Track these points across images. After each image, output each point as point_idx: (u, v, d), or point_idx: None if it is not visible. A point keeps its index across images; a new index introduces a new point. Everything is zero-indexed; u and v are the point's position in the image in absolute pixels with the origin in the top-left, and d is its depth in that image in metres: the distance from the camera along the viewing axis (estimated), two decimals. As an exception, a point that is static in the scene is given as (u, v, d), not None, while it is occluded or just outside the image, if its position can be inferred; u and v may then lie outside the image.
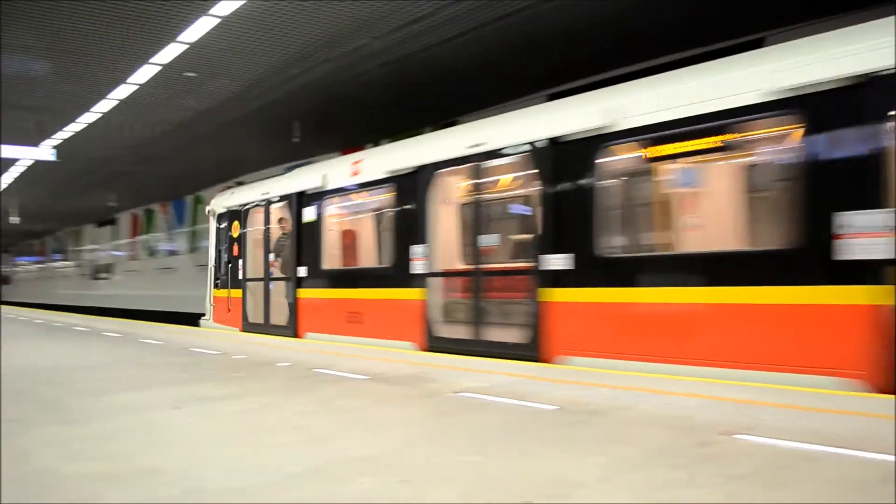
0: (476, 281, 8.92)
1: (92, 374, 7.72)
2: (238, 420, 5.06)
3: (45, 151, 14.92)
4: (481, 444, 4.14)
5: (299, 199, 11.98)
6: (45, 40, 10.52)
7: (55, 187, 25.41)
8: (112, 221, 35.75)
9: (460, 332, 8.93)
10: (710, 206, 7.79)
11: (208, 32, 10.31)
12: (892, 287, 5.26)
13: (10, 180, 23.35)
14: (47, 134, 15.80)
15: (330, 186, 11.28)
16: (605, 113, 7.28)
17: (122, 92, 13.35)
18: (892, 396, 4.92)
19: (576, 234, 7.54)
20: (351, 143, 16.60)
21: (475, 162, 8.81)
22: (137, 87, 13.01)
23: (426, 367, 7.36)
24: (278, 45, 11.01)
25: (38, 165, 20.14)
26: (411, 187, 9.62)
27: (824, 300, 5.65)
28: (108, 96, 13.66)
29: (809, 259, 5.79)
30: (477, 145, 8.68)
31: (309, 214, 11.72)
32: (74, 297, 38.95)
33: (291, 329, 11.86)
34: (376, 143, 14.79)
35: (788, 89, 5.89)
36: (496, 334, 8.52)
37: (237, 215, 13.83)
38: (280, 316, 12.31)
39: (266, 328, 12.73)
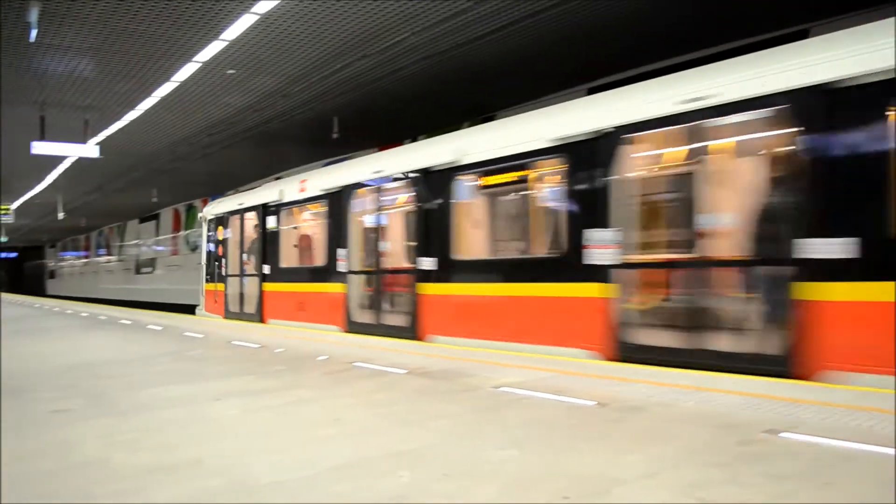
0: (378, 278, 11.26)
1: (136, 368, 7.90)
2: (279, 413, 5.13)
3: (90, 148, 15.21)
4: (521, 439, 4.14)
5: (264, 209, 14.45)
6: (90, 39, 10.72)
7: (99, 183, 25.93)
8: (154, 217, 36.38)
9: (368, 318, 11.16)
10: (520, 225, 10.51)
11: (249, 29, 10.41)
12: (614, 285, 7.35)
13: (55, 177, 23.91)
14: (93, 131, 16.12)
15: (285, 200, 13.68)
16: (454, 151, 9.57)
17: (165, 89, 13.57)
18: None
19: (438, 243, 9.78)
20: (389, 138, 16.68)
21: (377, 184, 11.09)
22: (178, 84, 13.22)
23: (463, 363, 7.37)
24: (318, 42, 11.08)
25: (82, 162, 20.59)
26: (338, 202, 11.90)
27: (576, 294, 7.81)
28: (153, 94, 13.90)
29: (569, 263, 7.88)
30: (377, 171, 10.97)
31: (271, 222, 14.27)
32: (118, 292, 39.75)
33: (258, 316, 14.24)
34: (414, 139, 14.83)
35: (558, 139, 8.00)
36: (391, 319, 10.64)
37: (221, 221, 16.31)
38: (251, 306, 14.69)
39: (241, 315, 15.14)
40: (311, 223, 14.06)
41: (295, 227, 14.46)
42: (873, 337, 5.52)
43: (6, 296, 48.73)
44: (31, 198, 29.11)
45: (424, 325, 9.87)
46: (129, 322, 15.82)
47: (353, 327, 11.27)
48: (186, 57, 11.69)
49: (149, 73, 12.54)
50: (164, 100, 14.28)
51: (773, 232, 6.56)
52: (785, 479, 3.22)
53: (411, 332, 9.92)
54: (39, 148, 14.54)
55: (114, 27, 10.23)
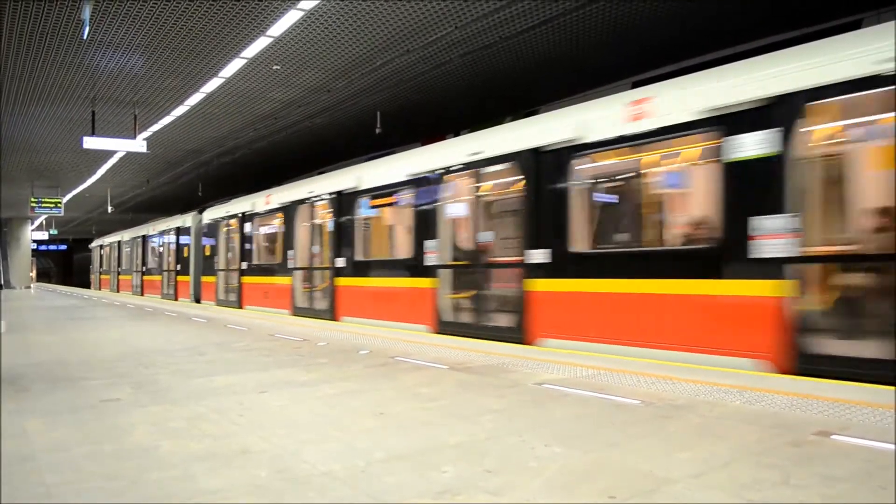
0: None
1: (183, 358, 8.03)
2: (323, 405, 5.17)
3: (138, 143, 15.53)
4: (565, 435, 4.12)
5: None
6: (140, 36, 10.92)
7: (147, 177, 26.41)
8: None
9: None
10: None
11: (294, 25, 10.52)
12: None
13: (104, 171, 24.45)
14: (141, 127, 16.44)
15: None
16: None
17: (212, 85, 13.77)
18: None
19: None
20: (432, 134, 16.69)
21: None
22: (225, 80, 13.40)
23: (504, 358, 7.36)
24: (362, 37, 11.14)
25: (130, 157, 21.03)
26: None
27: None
28: (200, 90, 14.12)
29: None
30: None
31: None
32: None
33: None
34: (457, 133, 14.82)
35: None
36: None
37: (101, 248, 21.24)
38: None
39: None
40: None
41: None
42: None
43: (58, 287, 50.07)
44: (81, 191, 29.79)
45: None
46: (174, 314, 16.10)
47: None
48: (233, 53, 11.84)
49: (196, 69, 12.73)
50: (210, 95, 14.50)
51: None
52: (838, 481, 3.15)
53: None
54: (90, 143, 14.87)
55: (163, 24, 10.41)
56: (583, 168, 8.37)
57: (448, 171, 10.33)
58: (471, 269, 10.20)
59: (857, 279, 6.52)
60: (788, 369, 6.04)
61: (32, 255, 46.67)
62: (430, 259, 10.50)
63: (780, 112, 6.26)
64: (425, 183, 10.76)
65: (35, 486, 3.30)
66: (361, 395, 5.53)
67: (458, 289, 10.38)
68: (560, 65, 12.67)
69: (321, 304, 14.09)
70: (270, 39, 11.15)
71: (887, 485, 3.11)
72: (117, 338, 10.63)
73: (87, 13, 9.47)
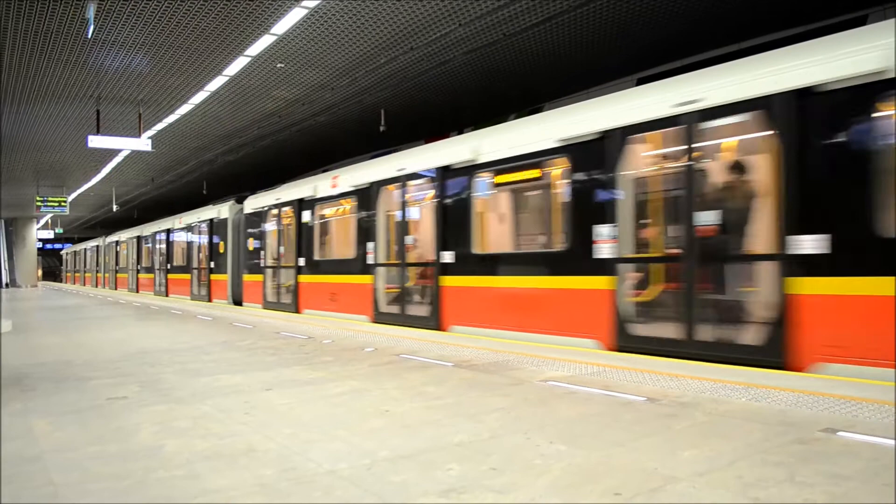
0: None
1: (189, 356, 8.05)
2: (329, 404, 5.18)
3: (143, 142, 15.55)
4: (571, 433, 4.11)
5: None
6: (145, 35, 10.94)
7: (150, 176, 26.47)
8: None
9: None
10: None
11: (298, 23, 10.52)
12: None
13: (109, 170, 24.51)
14: (146, 125, 16.47)
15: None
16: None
17: (216, 83, 13.78)
18: None
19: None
20: (436, 131, 16.68)
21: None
22: (229, 78, 13.41)
23: (509, 355, 7.36)
24: (365, 35, 11.14)
25: (135, 155, 21.07)
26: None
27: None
28: (204, 88, 14.13)
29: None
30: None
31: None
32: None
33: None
34: (460, 132, 14.81)
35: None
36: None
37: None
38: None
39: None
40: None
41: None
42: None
43: (63, 286, 50.23)
44: (87, 190, 29.87)
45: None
46: (179, 312, 16.14)
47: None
48: (237, 51, 11.85)
49: (201, 67, 12.75)
50: (215, 93, 14.52)
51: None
52: (844, 479, 3.14)
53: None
54: (95, 142, 14.91)
55: (167, 23, 10.43)
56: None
57: (382, 183, 11.92)
58: (398, 266, 11.71)
59: (662, 276, 7.84)
60: (613, 347, 7.53)
61: (38, 254, 46.83)
62: (370, 258, 12.21)
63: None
64: (365, 193, 12.41)
65: (42, 485, 3.31)
66: (367, 394, 5.53)
67: (391, 284, 12.02)
68: (564, 62, 12.65)
69: (286, 298, 15.81)
70: (274, 37, 11.16)
71: (892, 482, 3.10)
72: (122, 337, 10.66)
73: (91, 12, 9.48)
